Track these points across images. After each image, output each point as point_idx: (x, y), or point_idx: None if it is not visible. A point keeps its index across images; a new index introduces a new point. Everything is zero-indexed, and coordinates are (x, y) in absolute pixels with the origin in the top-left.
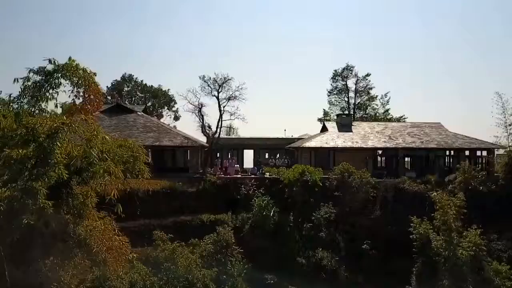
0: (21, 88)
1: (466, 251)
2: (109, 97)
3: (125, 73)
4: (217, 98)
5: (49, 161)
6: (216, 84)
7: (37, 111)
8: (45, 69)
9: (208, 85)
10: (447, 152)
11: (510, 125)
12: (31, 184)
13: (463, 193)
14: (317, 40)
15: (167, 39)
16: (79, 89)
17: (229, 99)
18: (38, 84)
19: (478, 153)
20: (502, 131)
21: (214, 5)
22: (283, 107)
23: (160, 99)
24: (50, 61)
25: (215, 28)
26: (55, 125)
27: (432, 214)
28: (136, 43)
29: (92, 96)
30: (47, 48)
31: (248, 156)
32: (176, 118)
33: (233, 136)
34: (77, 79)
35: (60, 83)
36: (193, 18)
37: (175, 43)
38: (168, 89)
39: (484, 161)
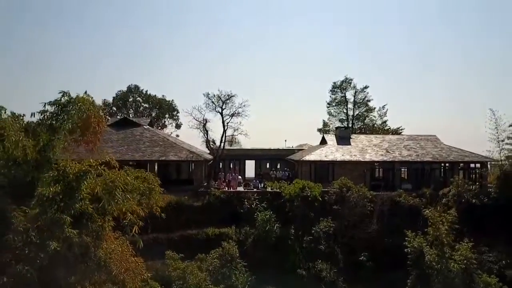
0: (39, 119)
1: (457, 264)
2: (114, 108)
3: (130, 84)
4: (221, 114)
5: (76, 196)
6: (220, 100)
7: (55, 140)
8: (60, 102)
9: (212, 102)
10: (442, 164)
11: (502, 140)
12: (59, 215)
13: (456, 207)
14: (317, 49)
15: (168, 46)
16: (86, 122)
17: (232, 115)
18: (54, 114)
19: (472, 165)
20: (495, 146)
21: (217, 18)
22: (283, 115)
23: (163, 109)
24: (64, 94)
25: (219, 38)
26: (83, 168)
27: (426, 229)
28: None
29: (98, 128)
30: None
31: (250, 166)
32: (178, 126)
33: (235, 147)
34: (86, 113)
35: (73, 115)
36: (196, 30)
37: (177, 51)
38: (172, 100)
39: (477, 174)
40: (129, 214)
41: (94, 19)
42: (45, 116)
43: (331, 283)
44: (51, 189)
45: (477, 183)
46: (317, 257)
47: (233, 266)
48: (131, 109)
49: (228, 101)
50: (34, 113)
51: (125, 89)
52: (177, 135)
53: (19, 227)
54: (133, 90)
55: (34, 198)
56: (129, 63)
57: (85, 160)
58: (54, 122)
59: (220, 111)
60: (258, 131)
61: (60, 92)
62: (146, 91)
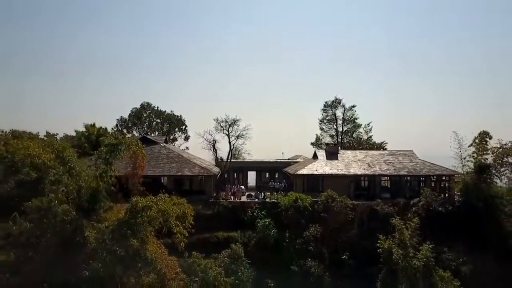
0: (97, 153)
1: (419, 262)
2: (130, 124)
3: (143, 101)
4: (228, 136)
5: (140, 220)
6: (227, 124)
7: (109, 171)
8: (112, 142)
9: (221, 126)
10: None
11: (464, 158)
12: (128, 232)
13: (425, 214)
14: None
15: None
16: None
17: (237, 137)
18: (108, 151)
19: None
20: (458, 163)
21: (218, 35)
22: (281, 127)
23: (173, 123)
24: (114, 137)
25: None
26: (148, 203)
27: (393, 234)
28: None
29: (141, 163)
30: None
31: (252, 176)
32: (186, 138)
33: (239, 160)
34: (133, 151)
35: (123, 152)
36: (197, 50)
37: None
38: (180, 115)
39: (446, 185)
40: (178, 234)
41: (108, 44)
42: (102, 152)
43: (318, 277)
44: (126, 215)
45: (446, 193)
46: (307, 256)
47: (239, 263)
48: (145, 124)
49: (233, 125)
50: (92, 157)
51: (138, 106)
52: (187, 147)
53: (91, 237)
54: (146, 107)
55: (104, 219)
56: (141, 82)
57: (149, 197)
58: (109, 157)
59: (227, 133)
60: (260, 141)
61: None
62: (157, 107)
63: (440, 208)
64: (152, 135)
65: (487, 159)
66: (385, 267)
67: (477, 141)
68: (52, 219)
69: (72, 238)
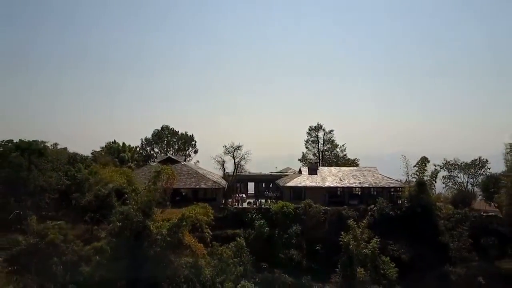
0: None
1: (368, 250)
2: (153, 142)
3: (163, 124)
4: (233, 158)
5: (180, 229)
6: (232, 149)
7: (156, 187)
8: (157, 170)
9: (228, 150)
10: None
11: (410, 175)
12: (175, 236)
13: (378, 217)
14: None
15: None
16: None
17: (240, 160)
18: (155, 176)
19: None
20: (405, 179)
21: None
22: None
23: (186, 141)
24: (156, 171)
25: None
26: (190, 213)
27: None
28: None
29: (172, 180)
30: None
31: (251, 186)
32: (195, 151)
33: (241, 173)
34: (168, 174)
35: (162, 178)
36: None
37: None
38: (192, 134)
39: (397, 195)
40: (207, 233)
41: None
42: (152, 176)
43: (299, 262)
44: (178, 220)
45: (398, 201)
46: (290, 247)
47: (242, 251)
48: (164, 142)
49: (237, 150)
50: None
51: (159, 127)
52: (197, 161)
53: (154, 231)
54: (165, 128)
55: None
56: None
57: (190, 207)
58: (155, 179)
59: (233, 155)
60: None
61: (152, 167)
62: (173, 128)
63: (390, 212)
64: (171, 151)
65: (425, 176)
66: (345, 254)
67: (418, 164)
68: (130, 220)
69: (142, 231)
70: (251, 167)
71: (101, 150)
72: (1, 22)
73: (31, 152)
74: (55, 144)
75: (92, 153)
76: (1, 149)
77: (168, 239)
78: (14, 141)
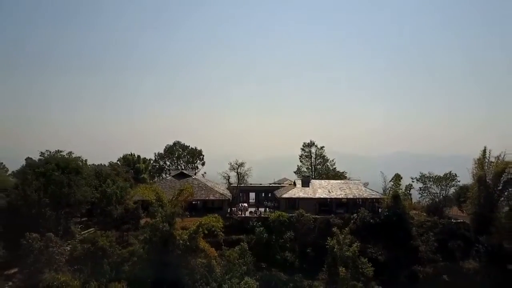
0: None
1: (349, 253)
2: (165, 157)
3: (175, 140)
4: (237, 173)
5: (196, 236)
6: (236, 164)
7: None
8: (181, 188)
9: (232, 167)
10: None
11: (387, 189)
12: (193, 242)
13: (360, 224)
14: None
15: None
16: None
17: (243, 176)
18: (179, 192)
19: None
20: (382, 192)
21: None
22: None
23: (195, 155)
24: (180, 189)
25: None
26: (206, 222)
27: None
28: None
29: (188, 195)
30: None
31: (252, 195)
32: (203, 164)
33: (244, 184)
34: (189, 192)
35: (184, 194)
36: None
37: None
38: (201, 149)
39: (376, 205)
40: (220, 235)
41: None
42: (175, 192)
43: (292, 263)
44: (196, 227)
45: (379, 210)
46: (285, 250)
47: (245, 254)
48: (175, 156)
49: (240, 166)
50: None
51: (171, 143)
52: (205, 172)
53: (177, 238)
54: (176, 144)
55: (177, 228)
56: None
57: (206, 217)
58: (178, 195)
59: (236, 171)
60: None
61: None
62: (184, 143)
63: (370, 220)
64: (181, 163)
65: (399, 189)
66: (330, 256)
67: (393, 179)
68: (159, 230)
69: (168, 239)
70: (255, 174)
71: (118, 161)
72: (25, 29)
73: (69, 170)
74: (70, 153)
75: (110, 164)
76: (44, 169)
77: (188, 243)
78: (45, 154)
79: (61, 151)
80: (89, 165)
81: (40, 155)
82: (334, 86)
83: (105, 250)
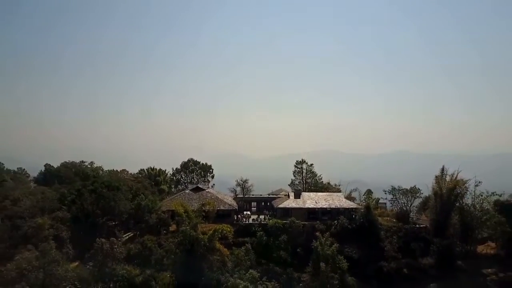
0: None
1: (330, 252)
2: (181, 172)
3: (190, 158)
4: (242, 188)
5: (217, 234)
6: (241, 181)
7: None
8: (204, 203)
9: (238, 183)
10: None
11: (362, 201)
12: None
13: (340, 229)
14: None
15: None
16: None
17: (247, 190)
18: (201, 206)
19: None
20: (358, 203)
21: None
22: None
23: (205, 170)
24: (202, 204)
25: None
26: (220, 228)
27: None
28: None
29: (213, 210)
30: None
31: (254, 204)
32: (212, 177)
33: (247, 195)
34: (213, 207)
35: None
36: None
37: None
38: (211, 164)
39: (354, 213)
40: (231, 238)
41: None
42: (199, 205)
43: (285, 259)
44: (213, 232)
45: (355, 217)
46: (280, 250)
47: (249, 252)
48: (188, 170)
49: (245, 183)
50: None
51: (186, 159)
52: (214, 184)
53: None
54: (190, 161)
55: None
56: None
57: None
58: (197, 212)
59: (241, 186)
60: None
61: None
62: (197, 159)
63: (348, 226)
64: (194, 176)
65: (371, 201)
66: (315, 254)
67: (366, 193)
68: (185, 236)
69: (194, 242)
70: (255, 172)
71: (140, 173)
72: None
73: (112, 188)
74: (91, 163)
75: (135, 178)
76: (93, 187)
77: (207, 245)
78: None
79: (84, 162)
80: (106, 170)
81: (62, 163)
82: (334, 86)
83: (151, 249)
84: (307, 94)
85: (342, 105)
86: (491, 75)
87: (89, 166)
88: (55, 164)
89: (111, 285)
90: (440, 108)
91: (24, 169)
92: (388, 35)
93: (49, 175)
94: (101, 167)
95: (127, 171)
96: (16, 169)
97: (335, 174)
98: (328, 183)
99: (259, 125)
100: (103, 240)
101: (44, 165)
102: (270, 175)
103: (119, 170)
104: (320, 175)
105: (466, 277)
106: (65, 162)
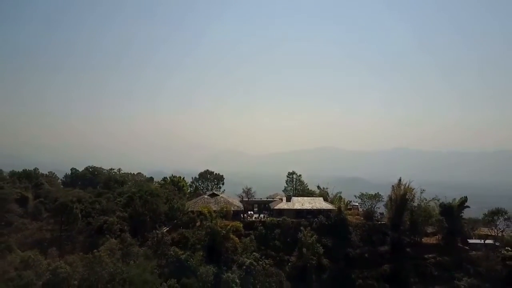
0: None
1: (310, 241)
2: (199, 180)
3: (206, 169)
4: (247, 194)
5: (232, 230)
6: (246, 188)
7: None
8: (223, 208)
9: (244, 191)
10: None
11: (332, 202)
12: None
13: (319, 224)
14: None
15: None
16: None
17: (251, 195)
18: (221, 210)
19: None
20: (335, 204)
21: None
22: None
23: (218, 179)
24: (222, 207)
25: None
26: (229, 225)
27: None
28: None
29: (229, 212)
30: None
31: (255, 206)
32: (223, 183)
33: (251, 199)
34: (229, 209)
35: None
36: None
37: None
38: (222, 174)
39: (330, 213)
40: (240, 229)
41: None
42: (218, 210)
43: (279, 246)
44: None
45: (331, 215)
46: (275, 240)
47: (253, 241)
48: (204, 178)
49: (250, 190)
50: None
51: (203, 170)
52: (224, 190)
53: (220, 237)
54: (207, 172)
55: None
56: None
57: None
58: (218, 214)
59: (246, 192)
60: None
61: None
62: (211, 170)
63: (325, 222)
64: (209, 184)
65: (342, 204)
66: (300, 242)
67: (337, 198)
68: (214, 232)
69: (216, 235)
70: (255, 169)
71: (164, 180)
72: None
73: (154, 195)
74: (119, 169)
75: (160, 184)
76: (140, 194)
77: (225, 235)
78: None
79: (113, 169)
80: (128, 173)
81: (86, 168)
82: (334, 85)
83: (188, 238)
84: (307, 93)
85: (342, 103)
86: (488, 74)
87: (117, 172)
88: (66, 165)
89: (164, 261)
90: (439, 106)
91: (54, 173)
92: (388, 35)
93: (76, 178)
94: (129, 173)
95: (144, 175)
96: (47, 173)
97: (334, 172)
98: (318, 186)
99: (259, 123)
100: (156, 231)
101: (71, 169)
102: (270, 172)
103: (135, 173)
104: (306, 184)
105: (411, 260)
106: (88, 166)
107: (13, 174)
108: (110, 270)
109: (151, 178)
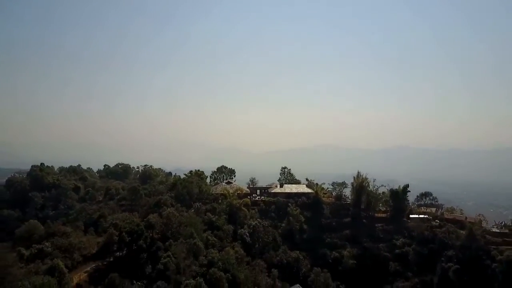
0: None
1: (295, 213)
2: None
3: (222, 165)
4: (252, 182)
5: (241, 205)
6: (253, 179)
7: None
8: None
9: (250, 180)
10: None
11: (315, 191)
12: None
13: (302, 204)
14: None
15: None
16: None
17: (255, 183)
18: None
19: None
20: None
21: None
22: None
23: (230, 172)
24: (237, 188)
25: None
26: (240, 202)
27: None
28: None
29: (244, 192)
30: None
31: (258, 191)
32: (234, 175)
33: (255, 186)
34: (243, 191)
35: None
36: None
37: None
38: (234, 169)
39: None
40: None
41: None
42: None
43: (274, 217)
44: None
45: (310, 197)
46: (272, 212)
47: (256, 212)
48: (220, 171)
49: (254, 179)
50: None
51: (220, 166)
52: (235, 180)
53: (236, 209)
54: (222, 167)
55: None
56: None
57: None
58: (235, 194)
59: (252, 181)
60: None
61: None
62: (225, 165)
63: (307, 202)
64: (224, 176)
65: (319, 189)
66: (288, 214)
67: (319, 187)
68: (231, 205)
69: (233, 206)
70: (256, 167)
71: (190, 173)
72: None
73: (187, 181)
74: (151, 166)
75: (187, 176)
76: (183, 182)
77: (238, 207)
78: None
79: (147, 165)
80: (164, 170)
81: (116, 164)
82: (334, 83)
83: (216, 209)
84: (308, 91)
85: (343, 101)
86: (501, 72)
87: (151, 167)
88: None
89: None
90: (439, 105)
91: (91, 169)
92: (389, 35)
93: (108, 173)
94: (160, 169)
95: (164, 170)
96: (86, 169)
97: (335, 170)
98: (306, 179)
99: (258, 121)
100: (196, 204)
101: (104, 165)
102: (268, 169)
103: (154, 167)
104: (294, 175)
105: (365, 228)
106: (118, 163)
107: (61, 169)
108: (178, 219)
109: (170, 173)
